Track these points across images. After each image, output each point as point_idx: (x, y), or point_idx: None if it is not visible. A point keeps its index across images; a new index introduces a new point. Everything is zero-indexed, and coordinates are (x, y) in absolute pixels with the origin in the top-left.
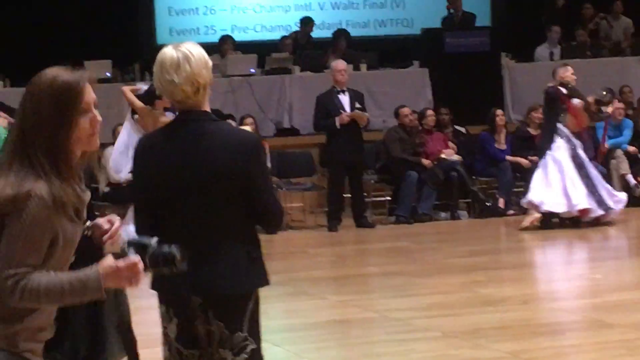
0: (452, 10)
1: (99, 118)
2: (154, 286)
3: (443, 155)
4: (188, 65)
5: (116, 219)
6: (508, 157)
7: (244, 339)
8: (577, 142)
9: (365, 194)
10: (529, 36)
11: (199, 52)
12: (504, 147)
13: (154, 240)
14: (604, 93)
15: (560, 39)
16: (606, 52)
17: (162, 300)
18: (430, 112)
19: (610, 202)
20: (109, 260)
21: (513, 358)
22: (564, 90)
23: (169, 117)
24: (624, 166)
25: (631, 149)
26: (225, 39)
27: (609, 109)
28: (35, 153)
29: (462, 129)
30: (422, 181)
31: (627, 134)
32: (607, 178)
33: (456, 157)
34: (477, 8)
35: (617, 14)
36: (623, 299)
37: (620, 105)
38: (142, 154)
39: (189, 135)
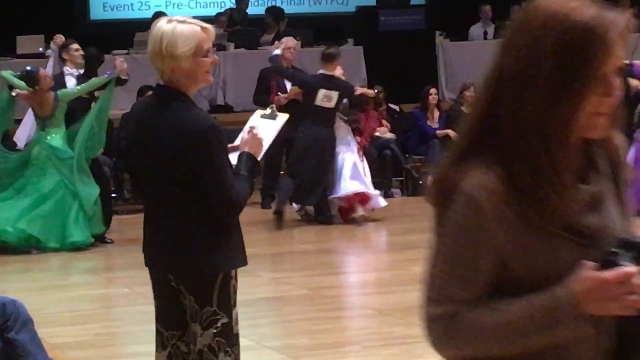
0: None
1: (617, 93)
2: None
3: (377, 134)
4: (163, 41)
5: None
6: (438, 132)
7: (214, 313)
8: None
9: None
10: (463, 15)
11: (181, 33)
12: (436, 125)
13: None
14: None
15: (494, 17)
16: None
17: (151, 281)
18: None
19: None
20: (586, 272)
21: None
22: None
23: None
24: None
25: None
26: (159, 15)
27: None
28: (508, 126)
29: (396, 107)
30: None
31: None
32: None
33: (390, 135)
34: None
35: None
36: None
37: None
38: (128, 117)
39: (150, 111)
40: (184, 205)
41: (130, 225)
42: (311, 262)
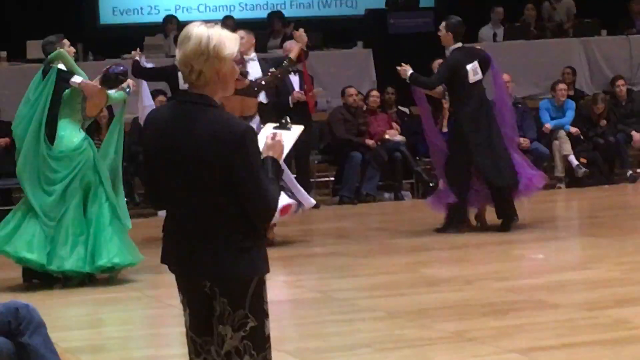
0: None
1: None
2: (163, 260)
3: (387, 136)
4: (210, 42)
5: None
6: None
7: (245, 316)
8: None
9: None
10: (472, 17)
11: (227, 36)
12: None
13: None
14: None
15: (503, 20)
16: (549, 34)
17: (179, 288)
18: (374, 92)
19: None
20: None
21: (457, 338)
22: None
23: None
24: (567, 147)
25: (573, 129)
26: (170, 18)
27: None
28: None
29: (406, 110)
30: (366, 162)
31: (570, 115)
32: (550, 159)
33: (400, 138)
34: None
35: None
36: (566, 279)
37: (564, 86)
38: (146, 127)
39: (177, 116)
40: (217, 211)
41: (140, 229)
42: (321, 265)
